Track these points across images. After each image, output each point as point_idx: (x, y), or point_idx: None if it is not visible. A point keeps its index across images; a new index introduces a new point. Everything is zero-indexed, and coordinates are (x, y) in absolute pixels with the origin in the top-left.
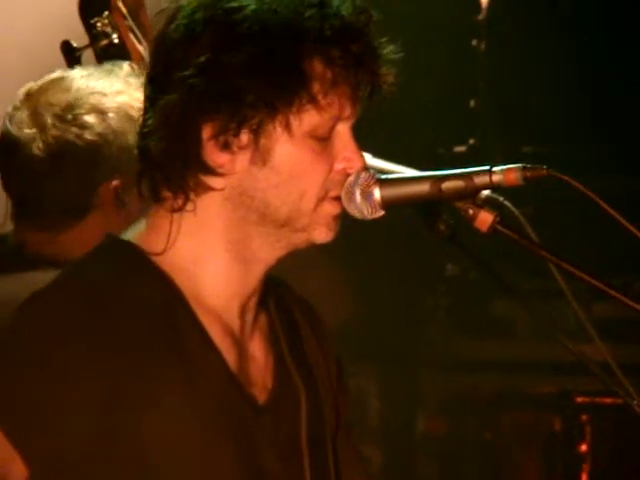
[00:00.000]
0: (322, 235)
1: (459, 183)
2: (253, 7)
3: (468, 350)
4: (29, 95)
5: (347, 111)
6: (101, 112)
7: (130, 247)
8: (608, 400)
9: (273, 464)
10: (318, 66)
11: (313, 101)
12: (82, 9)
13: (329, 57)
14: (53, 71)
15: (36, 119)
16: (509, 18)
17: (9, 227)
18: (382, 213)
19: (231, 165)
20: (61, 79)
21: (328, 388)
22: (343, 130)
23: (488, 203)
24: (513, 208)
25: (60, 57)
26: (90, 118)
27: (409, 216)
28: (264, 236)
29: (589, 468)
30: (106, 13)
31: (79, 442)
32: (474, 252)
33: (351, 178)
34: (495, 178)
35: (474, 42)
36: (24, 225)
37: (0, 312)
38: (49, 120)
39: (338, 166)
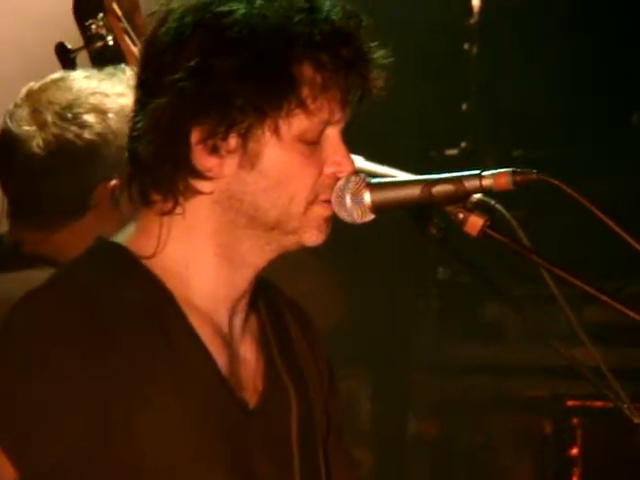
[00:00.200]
0: (313, 237)
1: (449, 187)
2: (243, 11)
3: (459, 353)
4: (30, 93)
5: (337, 115)
6: (101, 112)
7: (121, 250)
8: (599, 404)
9: (264, 467)
10: (307, 70)
11: (302, 105)
12: (77, 11)
13: (319, 62)
14: (48, 72)
15: (36, 117)
16: (501, 22)
17: (4, 226)
18: (372, 217)
19: (220, 169)
20: (63, 79)
21: (319, 391)
22: (332, 134)
23: (479, 206)
24: (505, 211)
25: (55, 58)
26: (90, 117)
27: (400, 219)
28: (254, 239)
29: (580, 472)
30: (101, 15)
31: (70, 444)
32: (465, 256)
33: (341, 182)
34: (485, 182)
35: (466, 46)
36: (20, 224)
37: None
38: (49, 118)
39: (328, 170)
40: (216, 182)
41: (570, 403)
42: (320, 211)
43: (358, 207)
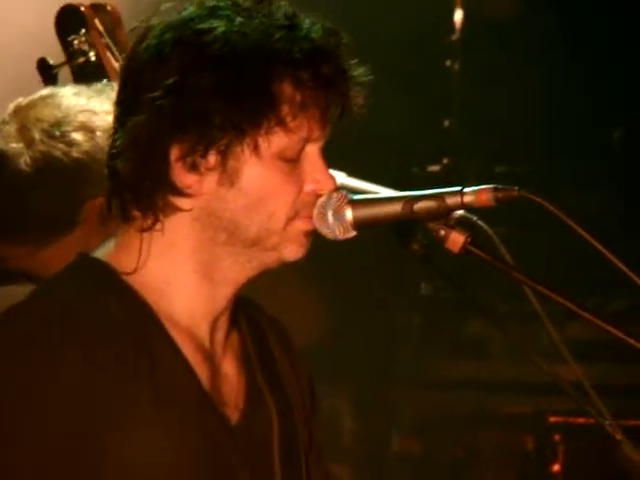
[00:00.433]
0: (292, 253)
1: (431, 204)
2: (223, 29)
3: (442, 370)
4: (18, 110)
5: (316, 133)
6: (90, 130)
7: (102, 266)
8: (581, 420)
9: None
10: (287, 88)
11: (282, 123)
12: (58, 26)
13: (298, 79)
14: (32, 88)
15: (23, 134)
16: (483, 39)
17: None
18: (354, 234)
19: (199, 186)
20: (51, 96)
21: (300, 408)
22: (312, 152)
23: (461, 223)
24: (487, 228)
25: (36, 74)
26: (78, 136)
27: (382, 235)
28: (234, 256)
29: None
30: (83, 31)
31: (46, 462)
32: (448, 272)
33: (323, 198)
34: (467, 199)
35: (448, 62)
36: (6, 239)
37: None
38: (37, 135)
39: (307, 187)
40: (195, 199)
41: (552, 419)
42: (300, 226)
43: (340, 224)
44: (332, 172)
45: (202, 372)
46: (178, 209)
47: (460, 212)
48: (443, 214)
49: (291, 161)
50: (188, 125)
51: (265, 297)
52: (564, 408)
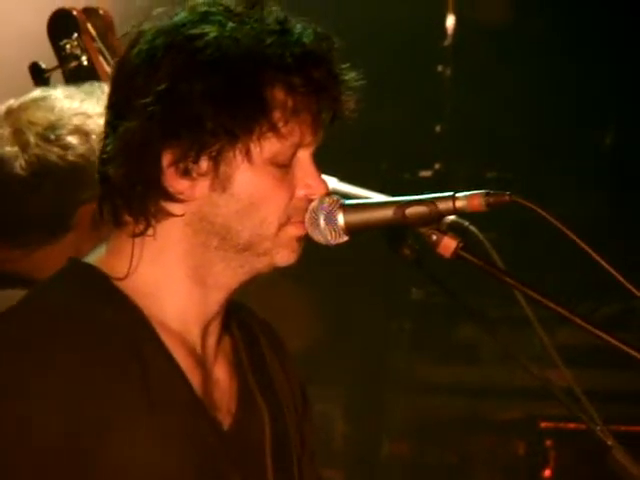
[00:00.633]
0: (284, 258)
1: (423, 209)
2: (214, 34)
3: (433, 374)
4: (10, 112)
5: (308, 138)
6: (84, 133)
7: (93, 271)
8: (572, 425)
9: None
10: (279, 94)
11: (274, 129)
12: (51, 31)
13: (290, 85)
14: (26, 88)
15: (18, 137)
16: (475, 44)
17: None
18: (346, 239)
19: (191, 191)
20: (43, 98)
21: (292, 412)
22: (304, 157)
23: (453, 228)
24: (478, 233)
25: (28, 78)
26: (73, 139)
27: (374, 240)
28: (226, 261)
29: None
30: (75, 35)
31: (37, 470)
32: (439, 277)
33: (315, 203)
34: (458, 204)
35: (440, 68)
36: (0, 242)
37: None
38: (32, 139)
39: (299, 193)
40: (187, 204)
41: (543, 425)
42: (292, 231)
43: (332, 228)
44: (324, 177)
45: (194, 377)
46: (170, 214)
47: (451, 217)
48: (435, 219)
49: (283, 166)
50: (180, 131)
51: (256, 301)
52: (555, 413)
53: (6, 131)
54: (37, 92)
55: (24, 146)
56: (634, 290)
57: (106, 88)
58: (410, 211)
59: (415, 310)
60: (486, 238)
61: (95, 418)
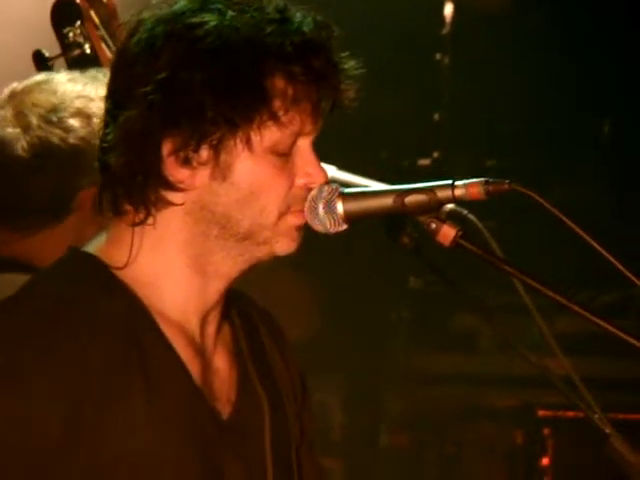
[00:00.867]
0: (284, 247)
1: (422, 197)
2: (214, 23)
3: (431, 363)
4: (13, 95)
5: (308, 127)
6: (86, 116)
7: (93, 260)
8: (570, 414)
9: (237, 478)
10: (279, 82)
11: (274, 117)
12: (54, 19)
13: (291, 73)
14: (27, 74)
15: (20, 119)
16: (473, 32)
17: None
18: (345, 227)
19: (191, 180)
20: (46, 81)
21: (292, 401)
22: (304, 145)
23: (452, 216)
24: (477, 221)
25: (30, 63)
26: (75, 122)
27: (373, 228)
28: (226, 250)
29: None
30: (78, 23)
31: (36, 457)
32: (438, 265)
33: (314, 192)
34: (458, 192)
35: (438, 56)
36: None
37: None
38: (34, 121)
39: (299, 181)
40: (188, 193)
41: (541, 413)
42: (292, 220)
43: (331, 217)
44: (323, 166)
45: (193, 367)
46: (170, 203)
47: (450, 205)
48: (434, 207)
49: (283, 155)
50: (180, 120)
51: (256, 290)
52: (553, 402)
53: (8, 113)
54: (41, 76)
55: (26, 128)
56: (633, 278)
57: (108, 74)
58: (409, 199)
59: (414, 299)
60: (485, 226)
61: (94, 407)
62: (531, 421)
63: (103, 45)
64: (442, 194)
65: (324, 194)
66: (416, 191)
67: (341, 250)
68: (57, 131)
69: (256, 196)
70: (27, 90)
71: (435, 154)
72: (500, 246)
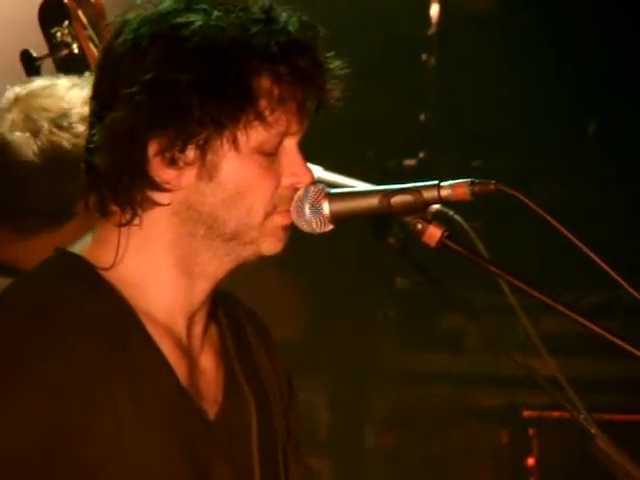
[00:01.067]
0: (271, 247)
1: (408, 198)
2: (200, 23)
3: (417, 363)
4: (18, 98)
5: (294, 127)
6: None
7: (79, 261)
8: (556, 414)
9: (224, 478)
10: (265, 82)
11: (260, 118)
12: (42, 18)
13: (276, 73)
14: (9, 76)
15: (29, 123)
16: (459, 33)
17: None
18: (331, 227)
19: (178, 181)
20: (52, 86)
21: (279, 400)
22: (290, 145)
23: (438, 217)
24: (463, 222)
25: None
26: (83, 127)
27: (359, 229)
28: (212, 250)
29: None
30: (66, 23)
31: (21, 460)
32: (424, 266)
33: (300, 192)
34: (443, 193)
35: (424, 56)
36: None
37: None
38: (45, 125)
39: (285, 181)
40: (174, 194)
41: (526, 413)
42: (278, 220)
43: (317, 217)
44: (309, 166)
45: (180, 368)
46: (156, 204)
47: (436, 206)
48: (420, 208)
49: (269, 155)
50: (166, 120)
51: (242, 290)
52: (539, 402)
53: (17, 117)
54: (43, 80)
55: (36, 132)
56: (618, 279)
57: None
58: (395, 200)
59: (400, 299)
60: (471, 227)
61: (80, 408)
62: (516, 421)
63: (91, 45)
64: (428, 195)
65: (310, 194)
66: (402, 191)
67: (328, 250)
68: (68, 136)
69: (242, 196)
70: (33, 94)
71: (421, 154)
72: (486, 246)
